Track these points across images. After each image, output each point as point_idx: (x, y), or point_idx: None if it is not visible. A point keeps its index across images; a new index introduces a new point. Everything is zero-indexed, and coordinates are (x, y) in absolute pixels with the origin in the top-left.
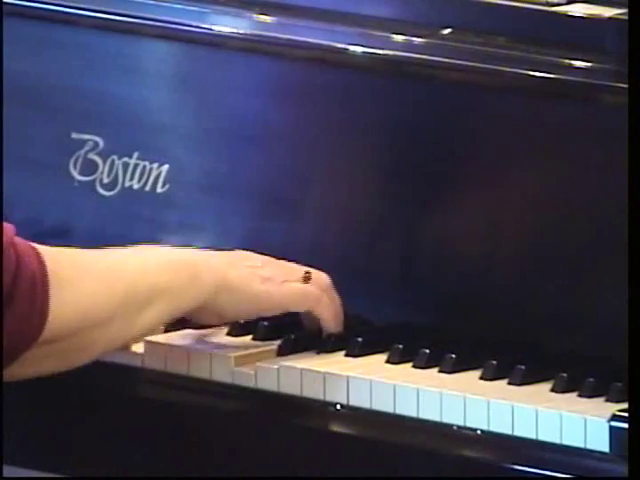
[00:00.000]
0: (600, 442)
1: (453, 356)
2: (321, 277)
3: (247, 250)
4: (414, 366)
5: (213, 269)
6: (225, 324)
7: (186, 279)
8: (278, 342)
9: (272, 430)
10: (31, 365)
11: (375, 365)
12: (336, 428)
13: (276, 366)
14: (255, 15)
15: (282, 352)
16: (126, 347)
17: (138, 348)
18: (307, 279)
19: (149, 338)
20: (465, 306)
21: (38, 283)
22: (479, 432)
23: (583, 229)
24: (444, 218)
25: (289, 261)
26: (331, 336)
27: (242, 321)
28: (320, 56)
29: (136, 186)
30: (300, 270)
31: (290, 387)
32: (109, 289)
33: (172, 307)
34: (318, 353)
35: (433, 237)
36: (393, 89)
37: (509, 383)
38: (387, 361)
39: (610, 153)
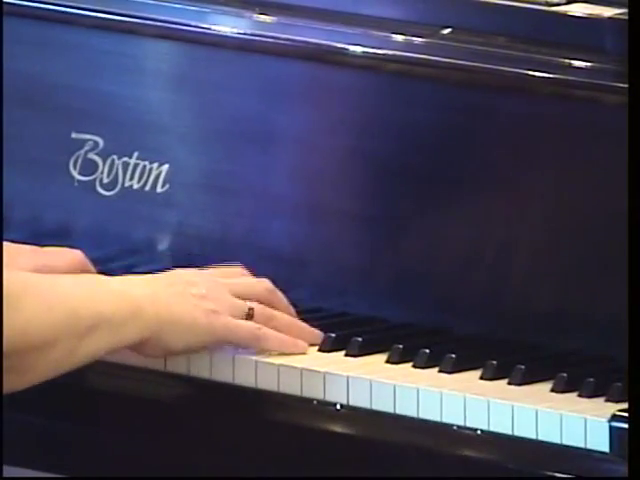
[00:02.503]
0: (600, 442)
1: (453, 356)
2: (263, 307)
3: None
4: (414, 366)
5: (156, 303)
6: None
7: (128, 311)
8: None
9: (271, 430)
10: None
11: (375, 365)
12: (336, 428)
13: (276, 365)
14: (255, 15)
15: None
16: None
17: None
18: (250, 316)
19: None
20: (465, 306)
21: None
22: (479, 432)
23: (583, 229)
24: (444, 218)
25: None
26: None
27: None
28: (320, 56)
29: (136, 186)
30: (244, 305)
31: (290, 387)
32: (50, 313)
33: (114, 338)
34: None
35: (433, 237)
36: (393, 89)
37: (509, 383)
38: (387, 361)
39: (610, 153)
